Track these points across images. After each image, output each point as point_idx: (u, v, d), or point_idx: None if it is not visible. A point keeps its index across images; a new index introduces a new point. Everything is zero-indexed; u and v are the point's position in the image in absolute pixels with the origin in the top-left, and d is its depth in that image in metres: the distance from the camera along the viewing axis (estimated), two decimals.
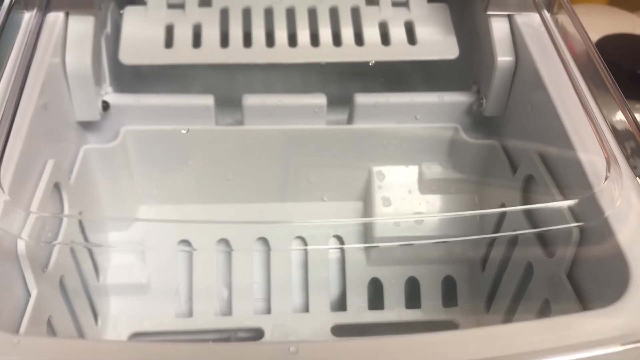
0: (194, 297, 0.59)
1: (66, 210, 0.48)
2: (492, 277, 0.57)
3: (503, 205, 0.55)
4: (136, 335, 0.57)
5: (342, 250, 0.62)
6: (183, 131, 0.55)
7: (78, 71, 0.50)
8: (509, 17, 0.55)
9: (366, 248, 0.61)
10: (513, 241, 0.53)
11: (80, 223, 0.52)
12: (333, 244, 0.62)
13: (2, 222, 0.36)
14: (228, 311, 0.60)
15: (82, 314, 0.50)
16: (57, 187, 0.47)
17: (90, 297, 0.53)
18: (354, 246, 0.60)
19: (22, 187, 0.41)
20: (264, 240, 0.61)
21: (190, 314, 0.59)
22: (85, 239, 0.53)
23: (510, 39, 0.54)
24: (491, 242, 0.58)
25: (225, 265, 0.61)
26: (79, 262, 0.50)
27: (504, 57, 0.54)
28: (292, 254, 0.61)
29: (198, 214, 0.61)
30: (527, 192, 0.52)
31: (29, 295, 0.40)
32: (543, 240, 0.48)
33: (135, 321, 0.58)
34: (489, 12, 0.54)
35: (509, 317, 0.53)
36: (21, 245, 0.38)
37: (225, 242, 0.61)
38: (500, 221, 0.56)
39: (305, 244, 0.61)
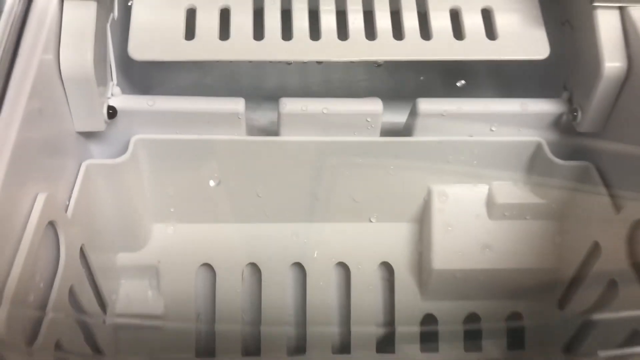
0: (217, 333, 0.50)
1: (62, 254, 0.38)
2: (576, 320, 0.48)
3: (596, 244, 0.45)
4: None
5: (392, 280, 0.52)
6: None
7: (76, 72, 0.40)
8: (621, 9, 0.43)
9: (420, 278, 0.52)
10: (613, 285, 0.43)
11: (82, 252, 0.43)
12: (380, 271, 0.53)
13: None
14: (256, 350, 0.51)
15: None
16: (51, 225, 0.37)
17: (94, 341, 0.44)
18: None
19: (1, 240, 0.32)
20: (299, 267, 0.52)
21: (212, 352, 0.50)
22: (88, 268, 0.44)
23: (622, 38, 0.42)
24: (576, 278, 0.48)
25: (253, 295, 0.52)
26: (81, 305, 0.41)
27: (612, 63, 0.42)
28: (332, 283, 0.52)
29: (223, 234, 0.51)
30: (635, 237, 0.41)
31: None
32: None
33: None
34: (595, 3, 0.43)
35: None
36: None
37: (254, 267, 0.51)
38: (589, 261, 0.46)
39: (348, 271, 0.52)
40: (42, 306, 0.36)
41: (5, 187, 0.33)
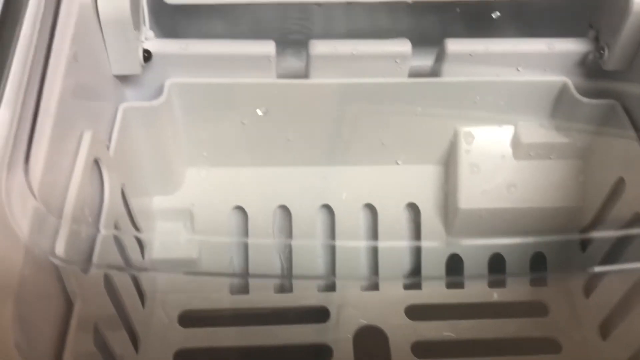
0: (250, 273, 0.52)
1: (107, 189, 0.40)
2: (597, 262, 0.49)
3: (621, 180, 0.46)
4: (187, 314, 0.51)
5: (419, 221, 0.54)
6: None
7: (114, 15, 0.41)
8: None
9: (446, 219, 0.53)
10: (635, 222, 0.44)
11: (123, 195, 0.44)
12: (407, 212, 0.54)
13: (33, 236, 0.29)
14: (288, 287, 0.53)
15: (127, 301, 0.44)
16: (96, 163, 0.39)
17: (136, 280, 0.47)
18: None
19: (54, 174, 0.33)
20: (328, 208, 0.53)
21: (246, 290, 0.52)
22: (128, 209, 0.46)
23: None
24: (598, 220, 0.50)
25: (284, 235, 0.53)
26: (124, 245, 0.43)
27: None
28: (360, 223, 0.54)
29: (254, 178, 0.53)
30: None
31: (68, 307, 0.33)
32: None
33: (185, 299, 0.51)
34: None
35: (620, 312, 0.46)
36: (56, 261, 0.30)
37: (284, 209, 0.53)
38: (613, 198, 0.47)
39: (376, 212, 0.53)
40: (92, 239, 0.37)
41: (56, 128, 0.34)
